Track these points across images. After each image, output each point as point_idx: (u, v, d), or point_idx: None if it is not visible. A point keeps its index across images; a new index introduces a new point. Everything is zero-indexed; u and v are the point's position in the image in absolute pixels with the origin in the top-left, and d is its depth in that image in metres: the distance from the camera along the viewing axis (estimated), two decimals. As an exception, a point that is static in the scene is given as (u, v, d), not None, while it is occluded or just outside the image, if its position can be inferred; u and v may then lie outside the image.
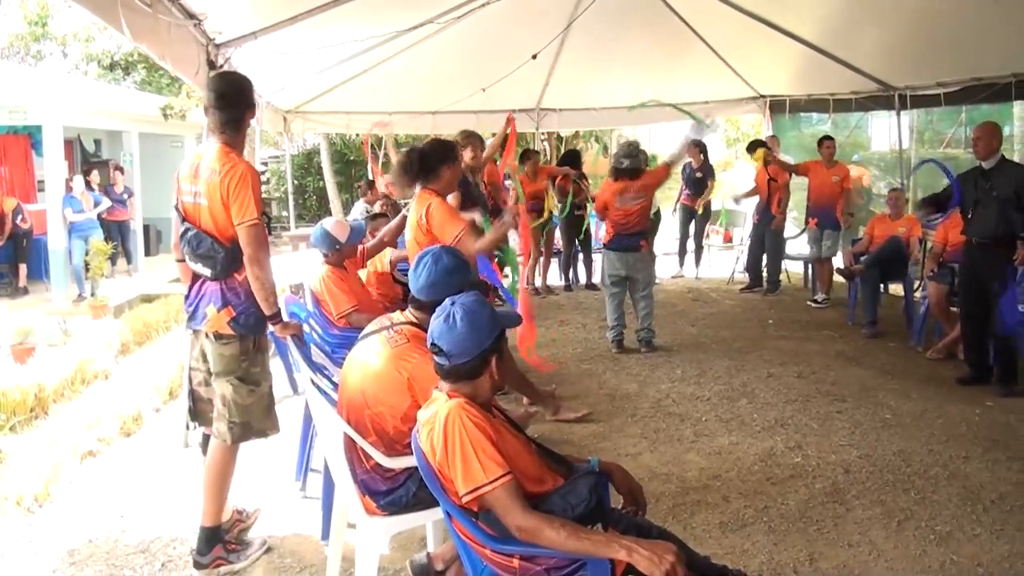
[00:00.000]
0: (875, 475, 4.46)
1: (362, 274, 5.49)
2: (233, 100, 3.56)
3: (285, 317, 3.69)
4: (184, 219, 3.53)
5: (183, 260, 3.66)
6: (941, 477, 4.43)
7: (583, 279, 10.68)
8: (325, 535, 3.68)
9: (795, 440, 4.99)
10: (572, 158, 10.41)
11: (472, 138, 6.23)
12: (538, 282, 10.17)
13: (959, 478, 4.42)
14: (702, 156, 10.77)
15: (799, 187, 10.14)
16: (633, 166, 6.90)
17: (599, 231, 9.08)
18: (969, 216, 5.92)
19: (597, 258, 10.80)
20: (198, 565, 3.59)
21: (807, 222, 9.06)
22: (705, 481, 4.42)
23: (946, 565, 3.54)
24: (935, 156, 10.79)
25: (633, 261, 7.04)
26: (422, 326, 3.01)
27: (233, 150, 3.50)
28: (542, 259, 10.19)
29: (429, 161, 4.53)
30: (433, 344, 2.47)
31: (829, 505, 4.11)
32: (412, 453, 2.54)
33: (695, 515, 4.02)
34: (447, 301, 2.53)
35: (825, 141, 9.08)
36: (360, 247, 5.34)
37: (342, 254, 5.05)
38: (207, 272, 3.50)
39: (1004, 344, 5.83)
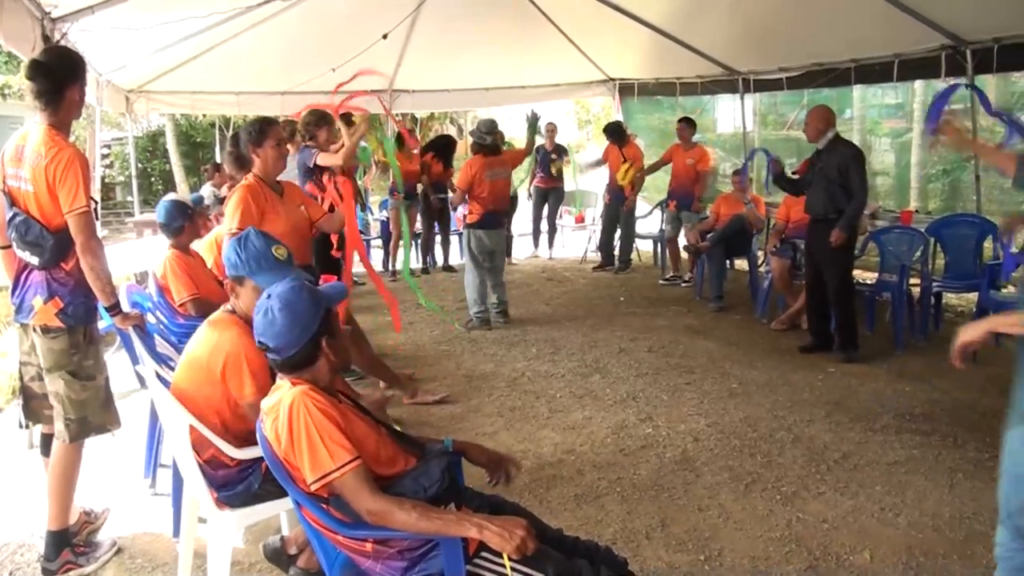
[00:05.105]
0: (723, 442, 4.65)
1: (205, 244, 5.28)
2: (47, 71, 3.29)
3: (126, 307, 3.54)
4: (12, 204, 3.32)
5: (7, 247, 3.45)
6: (786, 441, 4.66)
7: (440, 261, 10.66)
8: (177, 532, 3.58)
9: (646, 412, 5.15)
10: (446, 144, 10.36)
11: (324, 120, 6.10)
12: (394, 265, 10.08)
13: (803, 441, 4.66)
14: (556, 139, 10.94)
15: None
16: (495, 142, 7.20)
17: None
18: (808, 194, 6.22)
19: (454, 240, 10.84)
20: (47, 572, 3.44)
21: (667, 204, 9.29)
22: (560, 456, 4.52)
23: (792, 523, 3.72)
24: (779, 138, 11.28)
25: (499, 239, 7.41)
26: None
27: (59, 133, 3.29)
28: (397, 241, 10.08)
29: (240, 149, 4.49)
30: (260, 342, 2.41)
31: (679, 472, 4.27)
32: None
33: (551, 489, 4.10)
34: (264, 295, 2.46)
35: (680, 123, 9.14)
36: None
37: (194, 227, 4.81)
38: (35, 260, 3.30)
39: (846, 313, 6.13)
